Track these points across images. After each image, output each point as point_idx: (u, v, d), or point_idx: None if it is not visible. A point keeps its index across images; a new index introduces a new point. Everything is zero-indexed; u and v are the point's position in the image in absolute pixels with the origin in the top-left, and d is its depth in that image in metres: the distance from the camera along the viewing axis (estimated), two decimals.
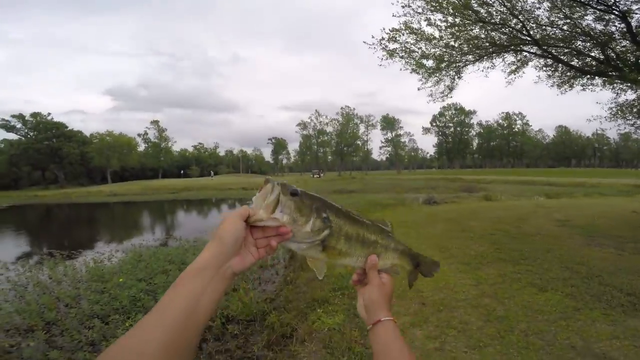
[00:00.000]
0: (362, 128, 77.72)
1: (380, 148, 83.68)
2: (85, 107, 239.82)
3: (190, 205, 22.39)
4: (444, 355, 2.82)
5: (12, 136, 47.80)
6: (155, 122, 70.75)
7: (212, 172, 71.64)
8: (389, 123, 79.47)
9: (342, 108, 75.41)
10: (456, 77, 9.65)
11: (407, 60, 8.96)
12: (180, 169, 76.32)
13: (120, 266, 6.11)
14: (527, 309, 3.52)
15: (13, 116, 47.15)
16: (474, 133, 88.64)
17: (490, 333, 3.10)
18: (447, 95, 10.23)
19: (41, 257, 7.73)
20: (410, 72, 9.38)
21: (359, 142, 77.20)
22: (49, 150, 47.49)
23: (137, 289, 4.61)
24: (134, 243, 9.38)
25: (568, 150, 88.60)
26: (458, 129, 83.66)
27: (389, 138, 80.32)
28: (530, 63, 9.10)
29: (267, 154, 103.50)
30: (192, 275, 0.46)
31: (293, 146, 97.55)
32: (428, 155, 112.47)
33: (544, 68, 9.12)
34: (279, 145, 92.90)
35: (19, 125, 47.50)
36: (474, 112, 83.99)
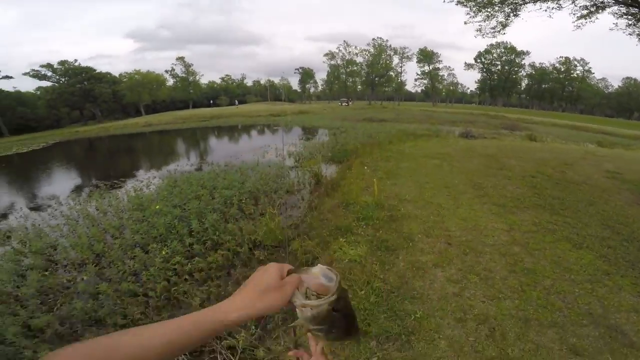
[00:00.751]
0: (395, 59, 70.78)
1: (416, 80, 76.78)
2: (110, 51, 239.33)
3: (220, 132, 23.05)
4: (461, 302, 2.82)
5: (45, 84, 50.07)
6: (180, 59, 69.23)
7: (236, 101, 71.51)
8: (426, 56, 70.97)
9: (373, 39, 68.50)
10: (512, 14, 8.44)
11: None
12: (209, 100, 76.55)
13: (157, 193, 6.52)
14: (555, 265, 3.36)
15: (42, 66, 48.44)
16: (524, 74, 77.23)
17: (512, 285, 3.04)
18: (499, 32, 9.19)
19: (90, 190, 8.20)
20: (456, 4, 8.47)
21: (392, 73, 71.35)
22: (82, 92, 50.18)
23: (172, 216, 4.95)
24: (170, 169, 9.92)
25: (633, 102, 75.43)
26: (506, 67, 72.88)
27: (426, 71, 72.78)
28: (607, 9, 7.53)
29: (294, 83, 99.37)
30: (227, 320, 0.50)
31: (321, 76, 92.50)
32: (468, 90, 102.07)
33: (625, 16, 7.57)
34: (306, 74, 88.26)
35: (49, 74, 49.15)
36: (527, 53, 71.32)
